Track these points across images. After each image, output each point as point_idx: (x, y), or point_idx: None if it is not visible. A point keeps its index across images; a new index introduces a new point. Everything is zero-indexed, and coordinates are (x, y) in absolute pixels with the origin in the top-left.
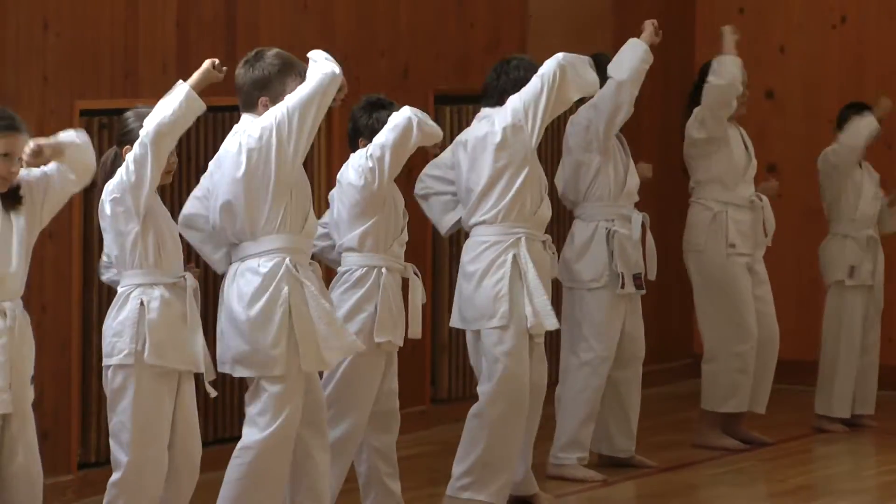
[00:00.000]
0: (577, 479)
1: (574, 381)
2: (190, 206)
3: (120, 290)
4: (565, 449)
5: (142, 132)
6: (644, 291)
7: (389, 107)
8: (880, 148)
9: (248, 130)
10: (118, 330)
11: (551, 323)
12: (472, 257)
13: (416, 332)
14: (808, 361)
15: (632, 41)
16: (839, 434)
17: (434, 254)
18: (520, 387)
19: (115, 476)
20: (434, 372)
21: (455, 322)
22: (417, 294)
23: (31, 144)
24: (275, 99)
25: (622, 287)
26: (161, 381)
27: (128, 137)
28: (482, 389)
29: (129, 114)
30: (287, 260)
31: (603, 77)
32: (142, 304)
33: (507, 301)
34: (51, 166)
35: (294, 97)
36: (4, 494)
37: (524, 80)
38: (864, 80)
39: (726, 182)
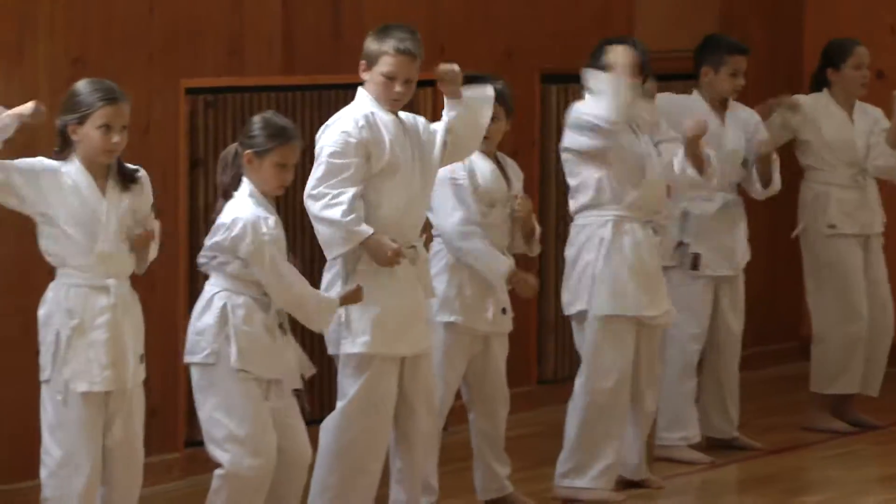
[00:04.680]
0: (684, 461)
1: (668, 360)
2: None
3: (207, 288)
4: (668, 429)
5: None
6: (700, 272)
7: (477, 80)
8: None
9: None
10: (201, 329)
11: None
12: (569, 240)
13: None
14: None
15: None
16: None
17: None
18: (616, 372)
19: (219, 469)
20: (540, 352)
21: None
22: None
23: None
24: (368, 66)
25: (693, 268)
26: (246, 382)
27: (250, 143)
28: (579, 373)
29: (256, 118)
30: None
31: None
32: (225, 307)
33: (593, 284)
34: None
35: None
36: (106, 471)
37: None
38: None
39: (830, 162)
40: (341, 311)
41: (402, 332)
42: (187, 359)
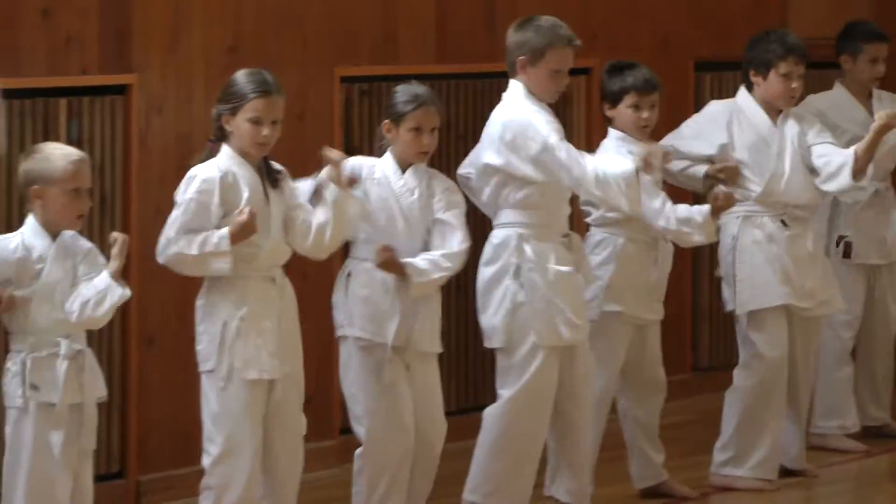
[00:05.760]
0: (839, 450)
1: (823, 348)
2: None
3: (346, 261)
4: (825, 417)
5: None
6: (852, 261)
7: (633, 69)
8: None
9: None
10: (335, 302)
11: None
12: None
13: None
14: None
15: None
16: None
17: None
18: (771, 363)
19: (359, 449)
20: (695, 340)
21: None
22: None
23: None
24: (533, 62)
25: (846, 256)
26: (372, 355)
27: (388, 111)
28: (738, 364)
29: (398, 88)
30: (517, 232)
31: None
32: (349, 275)
33: (737, 282)
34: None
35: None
36: (268, 459)
37: (768, 62)
38: None
39: None
40: (508, 304)
41: (566, 321)
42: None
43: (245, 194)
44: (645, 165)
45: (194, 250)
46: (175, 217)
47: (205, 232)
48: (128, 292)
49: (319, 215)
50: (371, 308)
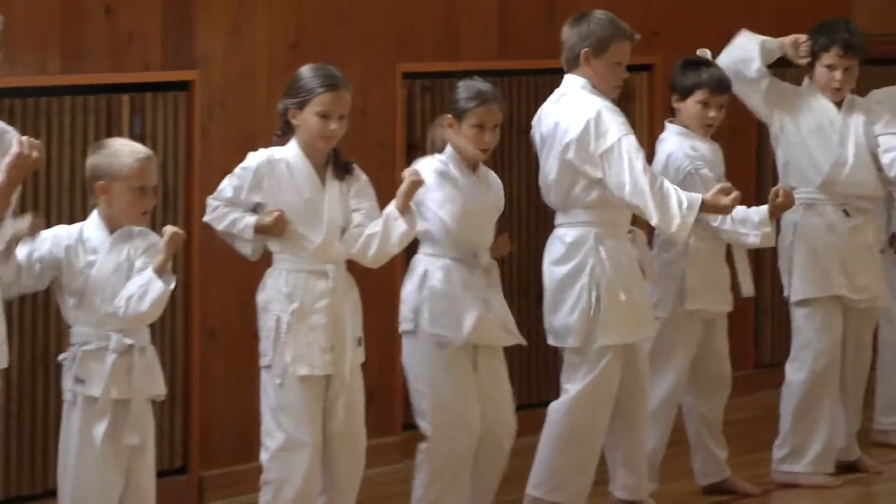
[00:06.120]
0: None
1: (882, 343)
2: None
3: (415, 258)
4: (885, 413)
5: None
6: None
7: (705, 66)
8: None
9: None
10: (404, 297)
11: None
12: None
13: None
14: None
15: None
16: None
17: None
18: (821, 354)
19: (422, 443)
20: (757, 336)
21: None
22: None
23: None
24: (597, 54)
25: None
26: (444, 350)
27: (450, 106)
28: (790, 357)
29: (461, 84)
30: (592, 231)
31: None
32: (426, 272)
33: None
34: None
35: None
36: (328, 454)
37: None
38: None
39: None
40: (584, 303)
41: (632, 320)
42: (400, 329)
43: (294, 186)
44: (713, 207)
45: (222, 226)
46: (221, 185)
47: (239, 210)
48: (170, 286)
49: (373, 226)
50: (447, 304)
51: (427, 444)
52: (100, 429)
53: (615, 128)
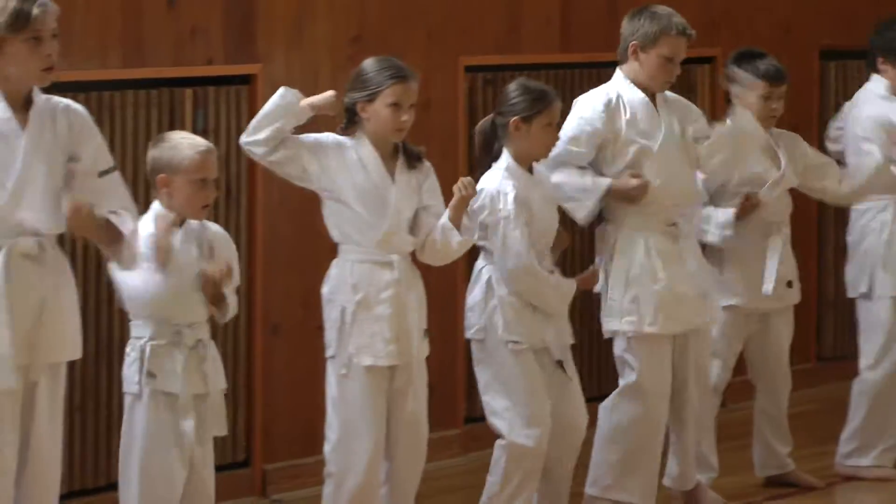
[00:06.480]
0: None
1: None
2: None
3: (477, 262)
4: None
5: None
6: None
7: (765, 58)
8: None
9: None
10: (471, 305)
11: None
12: (850, 225)
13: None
14: None
15: None
16: None
17: (819, 215)
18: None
19: (500, 440)
20: (819, 329)
21: None
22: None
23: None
24: (646, 48)
25: None
26: (518, 353)
27: (514, 109)
28: (864, 353)
29: (511, 87)
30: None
31: None
32: (490, 280)
33: (875, 268)
34: None
35: None
36: (391, 447)
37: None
38: None
39: None
40: (616, 292)
41: (678, 309)
42: (466, 335)
43: (363, 173)
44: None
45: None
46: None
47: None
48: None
49: (438, 227)
50: (521, 312)
51: (504, 441)
52: (188, 426)
53: (565, 128)
